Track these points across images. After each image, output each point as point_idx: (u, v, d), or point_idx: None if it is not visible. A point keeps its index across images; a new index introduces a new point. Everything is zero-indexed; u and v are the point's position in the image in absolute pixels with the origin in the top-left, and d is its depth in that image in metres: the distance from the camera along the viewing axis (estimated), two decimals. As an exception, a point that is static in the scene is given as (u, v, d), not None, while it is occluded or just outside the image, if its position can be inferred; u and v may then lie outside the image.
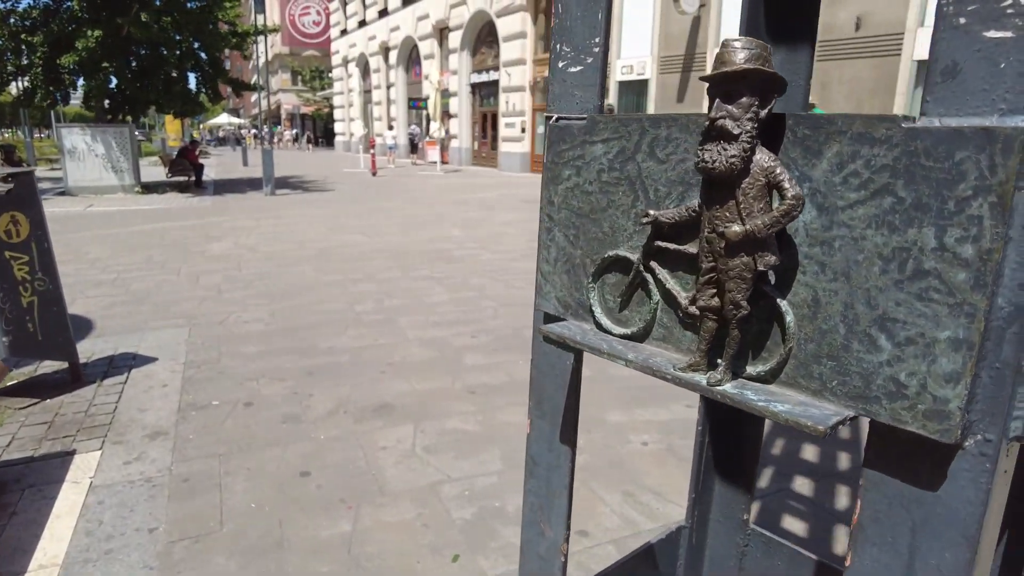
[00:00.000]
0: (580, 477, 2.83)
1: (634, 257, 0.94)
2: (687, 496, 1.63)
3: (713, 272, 0.79)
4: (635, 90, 18.11)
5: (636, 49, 17.76)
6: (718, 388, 0.80)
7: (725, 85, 0.73)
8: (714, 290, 0.80)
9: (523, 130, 22.05)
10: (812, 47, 1.35)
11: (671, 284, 0.90)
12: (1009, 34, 0.61)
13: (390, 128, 30.60)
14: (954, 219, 0.64)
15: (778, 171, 0.73)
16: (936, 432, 0.67)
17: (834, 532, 2.54)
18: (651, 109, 16.99)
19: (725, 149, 0.73)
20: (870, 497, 0.76)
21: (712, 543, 1.63)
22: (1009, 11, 0.60)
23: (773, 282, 0.80)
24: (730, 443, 1.55)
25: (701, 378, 0.82)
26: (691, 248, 0.86)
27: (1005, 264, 0.63)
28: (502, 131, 23.19)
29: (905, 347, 0.68)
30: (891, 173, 0.67)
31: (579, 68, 1.03)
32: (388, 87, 33.45)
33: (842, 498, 2.79)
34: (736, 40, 0.73)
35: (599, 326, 1.01)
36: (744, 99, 0.72)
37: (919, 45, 11.33)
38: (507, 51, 22.29)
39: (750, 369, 0.82)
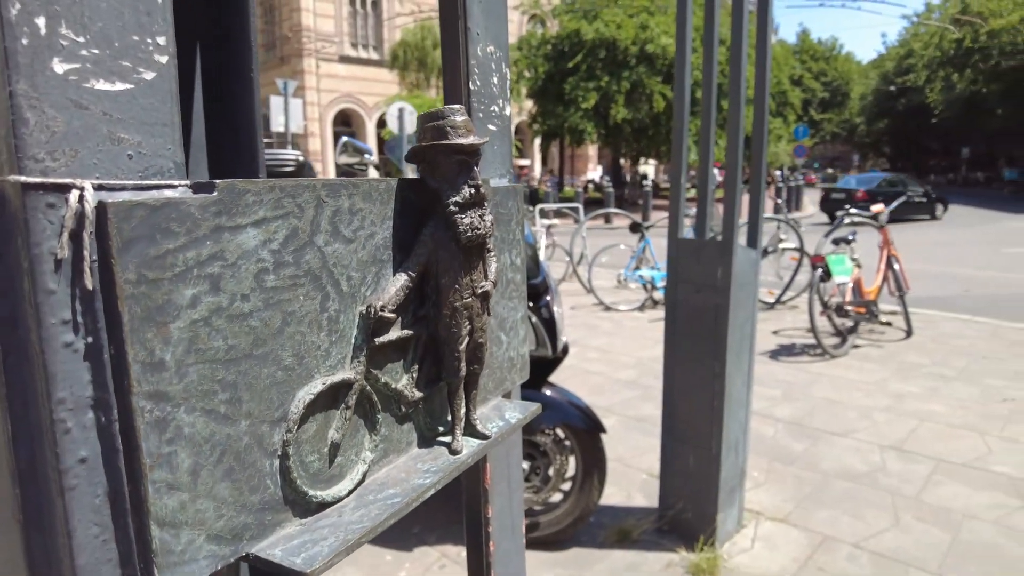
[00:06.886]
0: None
1: (350, 375, 0.67)
2: None
3: (470, 336, 0.78)
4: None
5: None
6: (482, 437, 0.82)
7: (477, 155, 0.74)
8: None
9: None
10: None
11: (396, 384, 0.74)
12: (495, 128, 0.97)
13: None
14: (513, 242, 0.98)
15: None
16: (523, 376, 1.03)
17: None
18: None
19: (483, 211, 0.75)
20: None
21: None
22: (494, 114, 0.97)
23: None
24: None
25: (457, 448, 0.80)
26: (406, 330, 0.75)
27: None
28: None
29: (510, 332, 0.98)
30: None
31: (127, 86, 0.49)
32: None
33: None
34: (459, 107, 0.73)
35: (313, 504, 0.64)
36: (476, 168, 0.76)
37: None
38: None
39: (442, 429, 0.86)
